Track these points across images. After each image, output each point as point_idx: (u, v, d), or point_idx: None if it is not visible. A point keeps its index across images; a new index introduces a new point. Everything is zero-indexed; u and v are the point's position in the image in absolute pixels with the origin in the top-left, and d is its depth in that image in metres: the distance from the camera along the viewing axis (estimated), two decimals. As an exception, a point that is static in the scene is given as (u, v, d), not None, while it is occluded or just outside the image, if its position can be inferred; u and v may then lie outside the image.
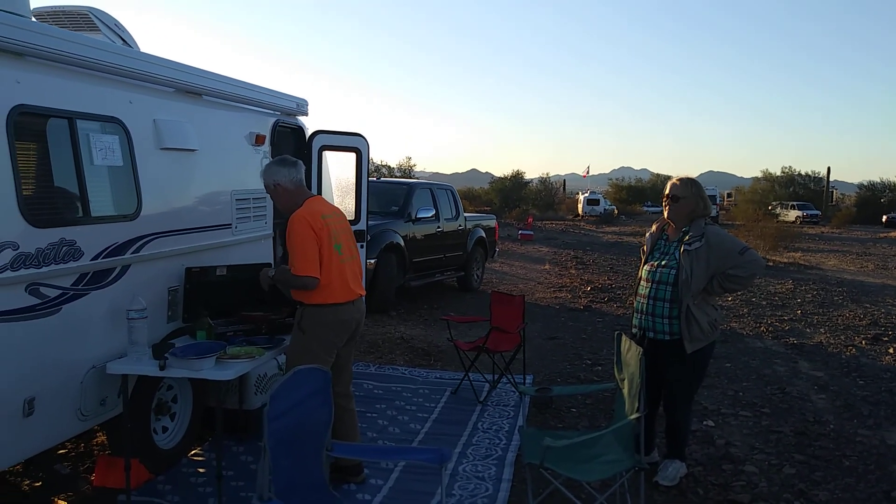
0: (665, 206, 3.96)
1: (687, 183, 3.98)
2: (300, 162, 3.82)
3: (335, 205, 6.66)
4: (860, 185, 53.03)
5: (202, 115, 4.45)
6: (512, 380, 5.66)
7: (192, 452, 4.21)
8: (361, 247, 6.70)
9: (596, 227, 34.39)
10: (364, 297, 3.93)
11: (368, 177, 6.90)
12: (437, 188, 11.02)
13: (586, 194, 46.69)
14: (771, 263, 17.05)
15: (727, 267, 3.81)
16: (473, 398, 5.41)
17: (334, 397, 3.82)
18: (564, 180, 65.59)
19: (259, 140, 5.21)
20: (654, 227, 4.12)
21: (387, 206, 9.82)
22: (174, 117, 4.12)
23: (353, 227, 6.62)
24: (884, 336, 8.22)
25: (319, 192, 6.27)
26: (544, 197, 50.98)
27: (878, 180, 50.78)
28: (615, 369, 3.83)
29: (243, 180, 4.86)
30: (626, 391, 3.65)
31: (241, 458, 4.17)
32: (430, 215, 9.99)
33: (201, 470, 4.02)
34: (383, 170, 42.80)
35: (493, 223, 12.73)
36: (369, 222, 8.23)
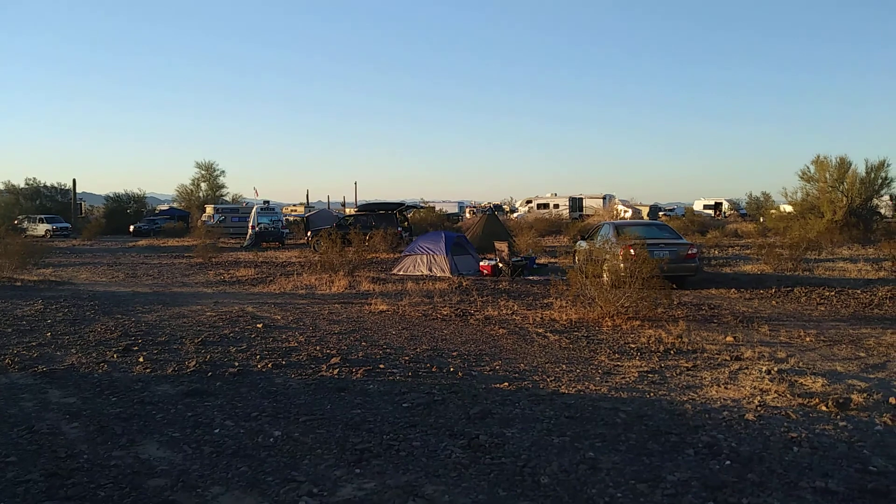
0: None
1: None
2: None
3: None
4: (107, 197, 55.02)
5: None
6: None
7: None
8: None
9: None
10: None
11: None
12: None
13: None
14: (19, 283, 15.81)
15: None
16: None
17: None
18: None
19: None
20: None
21: None
22: None
23: None
24: (134, 346, 8.48)
25: None
26: None
27: (124, 192, 53.83)
28: None
29: None
30: None
31: None
32: None
33: None
34: None
35: None
36: None
